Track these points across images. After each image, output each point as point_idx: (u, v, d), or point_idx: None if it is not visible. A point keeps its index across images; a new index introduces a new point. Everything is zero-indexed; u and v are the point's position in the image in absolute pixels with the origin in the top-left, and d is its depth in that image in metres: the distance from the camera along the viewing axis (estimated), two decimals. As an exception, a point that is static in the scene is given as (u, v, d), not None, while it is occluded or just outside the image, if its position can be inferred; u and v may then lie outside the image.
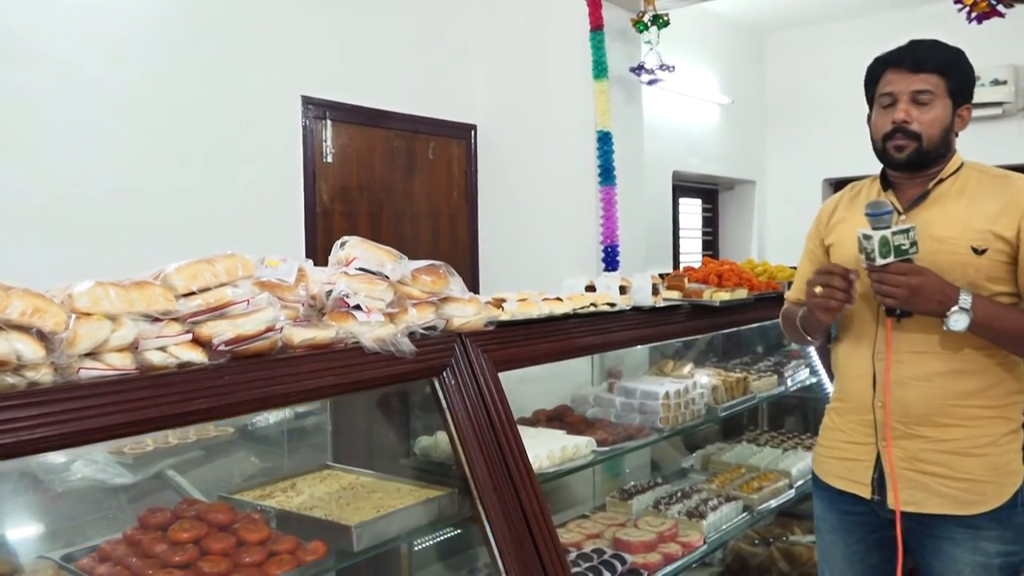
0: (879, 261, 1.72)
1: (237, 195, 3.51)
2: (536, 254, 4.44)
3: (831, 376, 2.66)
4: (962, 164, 1.90)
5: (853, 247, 1.86)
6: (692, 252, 6.91)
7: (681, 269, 3.43)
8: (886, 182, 1.96)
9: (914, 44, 1.85)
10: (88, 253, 3.01)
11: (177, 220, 3.30)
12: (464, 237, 4.59)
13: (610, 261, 4.15)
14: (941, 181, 1.87)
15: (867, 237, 1.74)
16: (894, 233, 1.72)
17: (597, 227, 4.22)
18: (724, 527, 2.76)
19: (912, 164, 1.85)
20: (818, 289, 1.83)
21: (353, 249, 1.96)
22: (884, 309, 1.82)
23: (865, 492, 1.92)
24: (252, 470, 2.44)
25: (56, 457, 2.17)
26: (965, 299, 1.70)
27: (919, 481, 1.84)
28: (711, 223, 7.20)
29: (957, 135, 1.90)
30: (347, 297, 1.85)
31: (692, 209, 6.97)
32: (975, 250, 1.77)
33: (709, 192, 7.12)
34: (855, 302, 1.84)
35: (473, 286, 4.58)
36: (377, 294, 1.88)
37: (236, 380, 1.56)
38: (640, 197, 4.60)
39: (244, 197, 3.53)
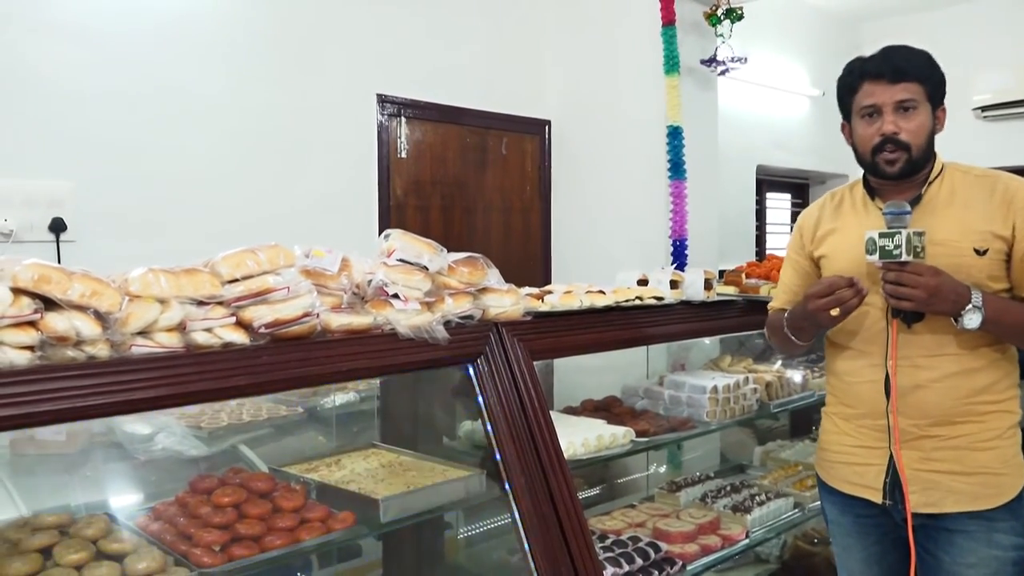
0: (904, 257, 1.72)
1: (315, 189, 3.70)
2: (607, 248, 4.47)
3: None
4: (944, 166, 1.90)
5: (847, 257, 1.90)
6: (780, 248, 6.78)
7: (745, 265, 3.42)
8: (870, 189, 1.96)
9: (889, 54, 1.85)
10: (173, 246, 3.24)
11: (258, 214, 3.52)
12: (537, 231, 4.68)
13: (678, 256, 4.15)
14: (929, 184, 1.88)
15: (887, 235, 1.74)
16: (914, 233, 1.74)
17: (667, 221, 4.23)
18: (770, 523, 2.76)
19: (903, 175, 1.86)
20: (834, 312, 1.82)
21: (394, 241, 2.08)
22: (892, 311, 1.82)
23: (876, 497, 1.91)
24: (314, 446, 2.61)
25: (142, 429, 2.40)
26: (977, 297, 1.73)
27: (934, 481, 1.83)
28: (801, 218, 7.03)
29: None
30: (386, 286, 1.97)
31: (781, 204, 6.84)
32: (977, 251, 1.79)
33: (799, 186, 6.96)
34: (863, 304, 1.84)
35: (546, 279, 4.66)
36: (414, 284, 1.99)
37: (273, 360, 1.70)
38: (713, 191, 4.57)
39: (321, 191, 3.72)
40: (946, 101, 1.93)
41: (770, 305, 2.23)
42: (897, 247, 1.72)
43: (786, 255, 2.19)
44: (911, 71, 1.82)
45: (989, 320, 1.73)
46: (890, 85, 1.82)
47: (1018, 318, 1.77)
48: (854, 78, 1.90)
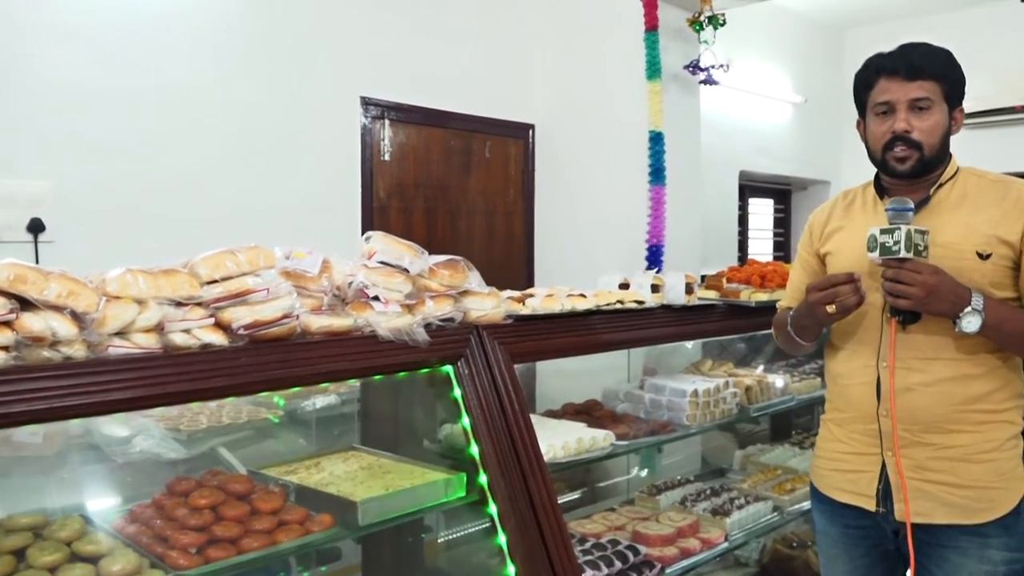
0: (903, 253, 1.68)
1: (298, 191, 3.70)
2: (589, 252, 4.48)
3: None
4: (958, 168, 1.87)
5: (852, 256, 1.87)
6: (763, 253, 6.82)
7: (726, 270, 3.44)
8: (880, 188, 1.93)
9: (907, 50, 1.81)
10: (153, 247, 3.22)
11: (242, 213, 3.51)
12: (520, 234, 4.69)
13: (654, 260, 4.16)
14: (940, 186, 1.84)
15: (888, 231, 1.71)
16: (915, 231, 1.71)
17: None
18: (749, 526, 2.77)
19: (914, 174, 1.82)
20: (830, 308, 1.80)
21: (375, 243, 2.08)
22: (890, 311, 1.79)
23: (869, 504, 1.87)
24: (293, 448, 2.60)
25: (120, 431, 2.38)
26: (977, 300, 1.68)
27: (925, 490, 1.79)
28: (783, 224, 7.08)
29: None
30: (366, 288, 1.97)
31: (763, 209, 6.89)
32: (980, 255, 1.75)
33: (781, 192, 7.01)
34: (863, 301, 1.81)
35: (528, 282, 4.67)
36: (395, 286, 1.99)
37: (251, 361, 1.69)
38: (696, 196, 4.59)
39: (304, 193, 3.72)
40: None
41: (778, 304, 2.21)
42: (896, 243, 1.69)
43: (796, 254, 2.15)
44: (927, 69, 1.77)
45: (989, 326, 1.68)
46: (905, 82, 1.78)
47: (1019, 326, 1.71)
48: (870, 74, 1.85)
